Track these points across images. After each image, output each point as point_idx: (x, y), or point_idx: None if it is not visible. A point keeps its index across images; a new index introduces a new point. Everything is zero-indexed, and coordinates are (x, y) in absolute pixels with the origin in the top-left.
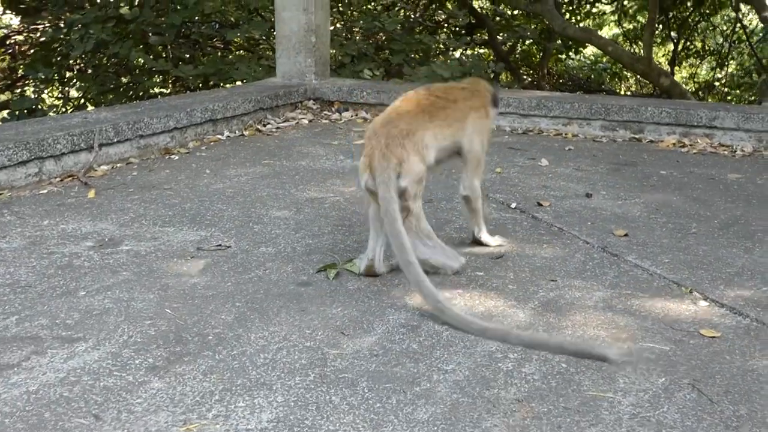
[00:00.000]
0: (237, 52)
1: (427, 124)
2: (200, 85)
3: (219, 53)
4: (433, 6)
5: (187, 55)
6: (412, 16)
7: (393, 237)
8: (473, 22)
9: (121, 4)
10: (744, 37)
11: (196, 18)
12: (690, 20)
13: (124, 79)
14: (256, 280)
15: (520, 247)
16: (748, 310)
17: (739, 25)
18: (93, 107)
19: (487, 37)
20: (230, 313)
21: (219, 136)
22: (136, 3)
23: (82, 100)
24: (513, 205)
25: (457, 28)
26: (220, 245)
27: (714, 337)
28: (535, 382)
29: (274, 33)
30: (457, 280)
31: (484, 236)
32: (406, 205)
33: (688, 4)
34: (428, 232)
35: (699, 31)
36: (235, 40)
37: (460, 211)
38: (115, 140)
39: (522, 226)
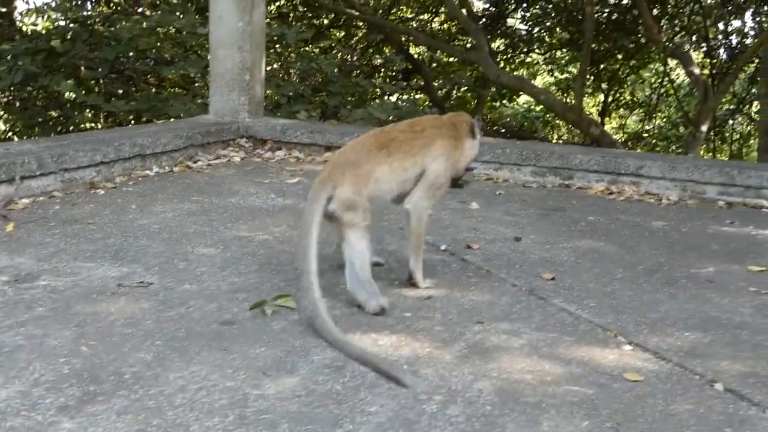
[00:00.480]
0: (171, 89)
1: (382, 159)
2: (132, 120)
3: (153, 89)
4: (371, 50)
5: (120, 91)
6: (350, 59)
7: (299, 246)
8: (410, 67)
9: (53, 37)
10: (671, 90)
11: (131, 54)
12: (620, 72)
13: (53, 113)
14: (177, 318)
15: (449, 289)
16: (671, 355)
17: (666, 79)
18: (17, 140)
19: (423, 83)
20: (149, 352)
21: (147, 172)
22: (68, 36)
23: (9, 133)
24: (443, 247)
25: (394, 73)
26: (142, 282)
27: (637, 381)
28: (459, 425)
29: (209, 71)
30: (384, 320)
31: (419, 274)
32: (341, 230)
33: (619, 57)
34: (363, 264)
35: (628, 83)
36: (170, 76)
37: (392, 252)
38: (38, 173)
39: (451, 268)
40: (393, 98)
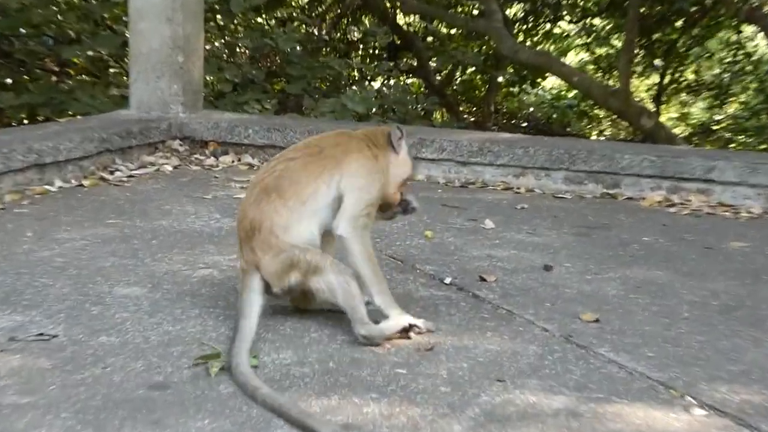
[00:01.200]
0: (78, 77)
1: (277, 205)
2: (24, 118)
3: (53, 77)
4: (345, 21)
5: (8, 80)
6: (316, 33)
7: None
8: (398, 43)
9: None
10: (748, 67)
11: (22, 30)
12: (679, 45)
13: None
14: (91, 382)
15: (457, 335)
16: (759, 421)
17: (741, 52)
18: None
19: (415, 63)
20: (53, 428)
21: (48, 187)
22: None
23: None
24: (448, 280)
25: (377, 51)
26: (42, 334)
27: None
28: None
29: (128, 51)
30: (372, 379)
31: (391, 309)
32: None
33: (677, 24)
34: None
35: (691, 58)
36: (75, 60)
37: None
38: None
39: (459, 307)
40: (376, 84)
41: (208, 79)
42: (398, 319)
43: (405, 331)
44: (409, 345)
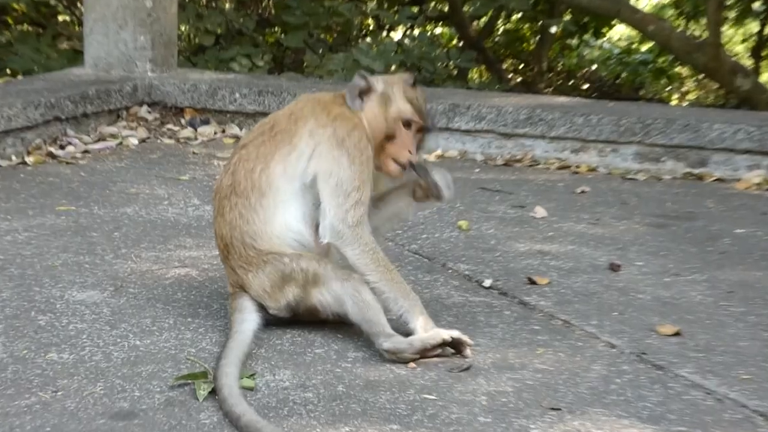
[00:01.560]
0: (17, 27)
1: (243, 206)
2: None
3: None
4: None
5: None
6: None
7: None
8: None
9: None
10: None
11: None
12: None
13: None
14: (39, 410)
15: (500, 352)
16: None
17: None
18: None
19: (447, 8)
20: None
21: None
22: None
23: None
24: (487, 283)
25: None
26: None
27: None
28: None
29: None
30: (392, 407)
31: (417, 319)
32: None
33: None
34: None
35: None
36: (14, 5)
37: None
38: None
39: (503, 317)
40: (396, 34)
41: (183, 29)
42: (434, 330)
43: (445, 346)
44: (438, 363)
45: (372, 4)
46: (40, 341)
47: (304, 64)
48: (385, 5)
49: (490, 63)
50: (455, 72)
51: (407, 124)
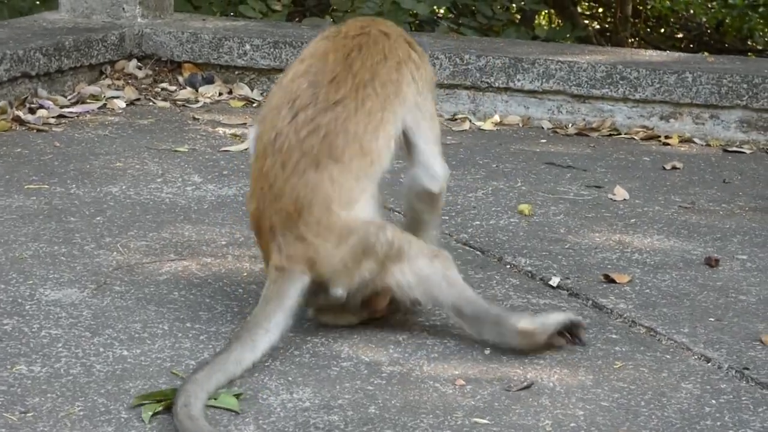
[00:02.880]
0: None
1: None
2: None
3: None
4: None
5: None
6: None
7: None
8: None
9: None
10: None
11: None
12: None
13: None
14: None
15: (568, 367)
16: None
17: None
18: None
19: None
20: None
21: None
22: None
23: None
24: (555, 282)
25: None
26: None
27: None
28: None
29: None
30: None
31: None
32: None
33: None
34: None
35: None
36: None
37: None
38: None
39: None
40: None
41: None
42: (554, 313)
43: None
44: (492, 379)
45: None
46: (6, 350)
47: (330, 8)
48: None
49: (561, 6)
50: (519, 17)
51: None
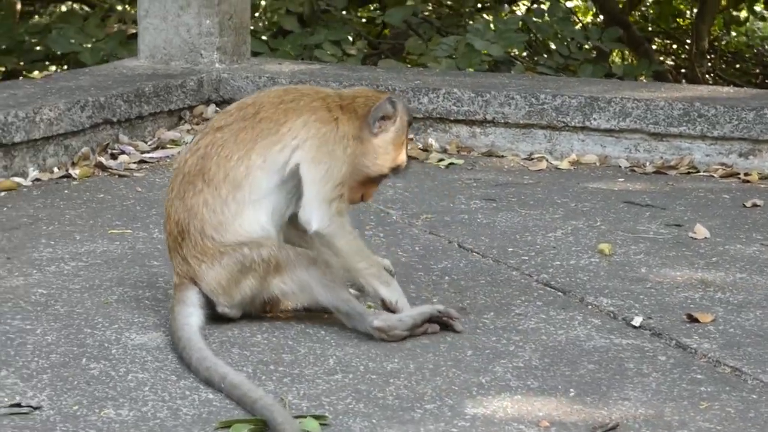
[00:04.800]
0: (57, 8)
1: (207, 192)
2: None
3: (18, 7)
4: None
5: None
6: None
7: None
8: None
9: None
10: None
11: None
12: None
13: None
14: None
15: (654, 407)
16: None
17: None
18: None
19: None
20: None
21: (17, 180)
22: None
23: None
24: (637, 322)
25: None
26: (18, 405)
27: None
28: None
29: None
30: None
31: (396, 297)
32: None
33: None
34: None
35: None
36: None
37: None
38: None
39: (657, 364)
40: (520, 9)
41: (259, 6)
42: (421, 307)
43: (432, 322)
44: (577, 421)
45: None
46: (94, 394)
47: (405, 51)
48: None
49: (637, 43)
50: (594, 54)
51: (395, 170)
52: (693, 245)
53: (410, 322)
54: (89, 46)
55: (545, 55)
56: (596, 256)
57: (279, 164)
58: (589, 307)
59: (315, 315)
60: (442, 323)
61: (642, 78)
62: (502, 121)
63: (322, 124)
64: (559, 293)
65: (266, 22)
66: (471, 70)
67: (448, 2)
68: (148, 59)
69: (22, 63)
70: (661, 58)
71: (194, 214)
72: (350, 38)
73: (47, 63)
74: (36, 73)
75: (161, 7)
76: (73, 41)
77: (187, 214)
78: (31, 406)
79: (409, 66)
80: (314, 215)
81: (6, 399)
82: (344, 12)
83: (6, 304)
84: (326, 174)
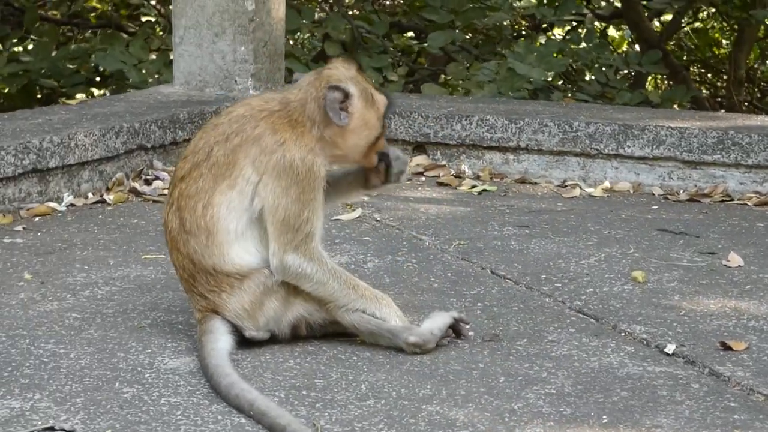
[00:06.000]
0: (94, 33)
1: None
2: (17, 97)
3: (59, 31)
4: None
5: None
6: None
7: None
8: None
9: None
10: None
11: None
12: None
13: None
14: None
15: None
16: None
17: None
18: None
19: (620, 3)
20: None
21: (52, 205)
22: None
23: None
24: (670, 349)
25: None
26: (51, 428)
27: None
28: None
29: None
30: None
31: (392, 318)
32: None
33: None
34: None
35: None
36: (95, 3)
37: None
38: None
39: (690, 392)
40: (557, 33)
41: (294, 36)
42: (438, 316)
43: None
44: None
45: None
46: (127, 418)
47: (446, 76)
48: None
49: (675, 69)
50: (630, 79)
51: (385, 113)
52: (727, 273)
53: (439, 334)
54: (136, 64)
55: (583, 83)
56: (629, 283)
57: (244, 206)
58: (622, 334)
59: (346, 340)
60: (456, 330)
61: (682, 103)
62: (536, 148)
63: (269, 155)
64: (592, 320)
65: (306, 48)
66: (512, 95)
67: (485, 30)
68: (182, 85)
69: (62, 88)
70: (697, 86)
71: (193, 260)
72: (390, 64)
73: (88, 87)
74: (80, 96)
75: (196, 34)
76: (119, 61)
77: (188, 261)
78: (65, 430)
79: (451, 92)
80: (277, 267)
81: (40, 422)
82: (384, 38)
83: (40, 328)
84: (283, 221)
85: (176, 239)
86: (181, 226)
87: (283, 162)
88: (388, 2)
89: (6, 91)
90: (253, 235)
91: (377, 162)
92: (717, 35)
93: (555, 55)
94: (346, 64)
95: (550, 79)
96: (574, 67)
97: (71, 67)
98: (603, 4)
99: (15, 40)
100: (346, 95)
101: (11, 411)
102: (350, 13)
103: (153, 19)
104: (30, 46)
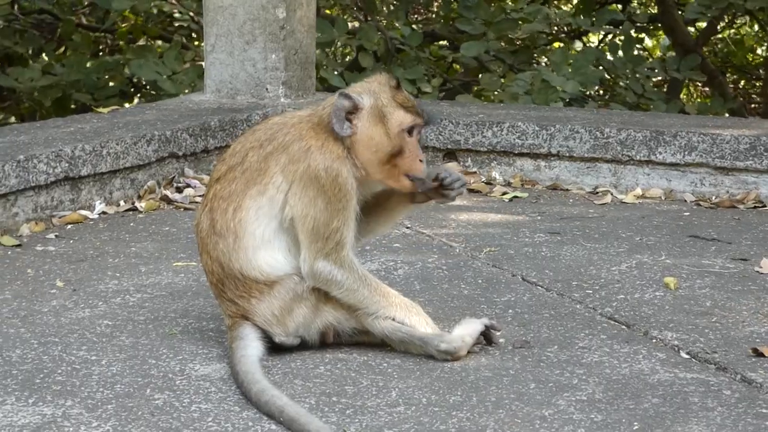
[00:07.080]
0: (128, 45)
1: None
2: (50, 107)
3: (91, 43)
4: None
5: (27, 49)
6: None
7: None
8: None
9: None
10: None
11: None
12: None
13: None
14: None
15: None
16: None
17: None
18: None
19: (657, 10)
20: None
21: (84, 213)
22: None
23: None
24: (702, 356)
25: None
26: None
27: None
28: None
29: (203, 3)
30: None
31: (432, 329)
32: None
33: None
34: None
35: None
36: (127, 13)
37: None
38: None
39: (722, 398)
40: (593, 42)
41: (326, 46)
42: (469, 323)
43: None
44: None
45: (565, 5)
46: (158, 425)
47: (476, 88)
48: (581, 6)
49: (711, 74)
50: (665, 87)
51: (410, 131)
52: (759, 279)
53: (471, 341)
54: (171, 74)
55: (618, 91)
56: (661, 289)
57: (273, 212)
58: (654, 341)
59: (377, 347)
60: (487, 337)
61: (720, 114)
62: (567, 154)
63: (296, 164)
64: (624, 327)
65: (338, 58)
66: (543, 105)
67: (519, 42)
68: (214, 93)
69: (95, 100)
70: (710, 90)
71: (221, 264)
72: (425, 74)
73: (119, 95)
74: (105, 109)
75: (227, 42)
76: (154, 71)
77: (218, 265)
78: None
79: (485, 102)
80: (308, 274)
81: (71, 429)
82: (418, 49)
83: (72, 335)
84: (313, 230)
85: (206, 241)
86: (212, 227)
87: (309, 172)
88: (420, 14)
89: (43, 102)
90: (282, 241)
91: (409, 183)
92: (751, 42)
93: (594, 61)
94: (385, 78)
95: (584, 90)
96: (609, 77)
97: (104, 77)
98: (638, 12)
99: (51, 51)
100: (356, 106)
101: (43, 417)
102: (383, 22)
103: (185, 25)
104: (66, 54)
